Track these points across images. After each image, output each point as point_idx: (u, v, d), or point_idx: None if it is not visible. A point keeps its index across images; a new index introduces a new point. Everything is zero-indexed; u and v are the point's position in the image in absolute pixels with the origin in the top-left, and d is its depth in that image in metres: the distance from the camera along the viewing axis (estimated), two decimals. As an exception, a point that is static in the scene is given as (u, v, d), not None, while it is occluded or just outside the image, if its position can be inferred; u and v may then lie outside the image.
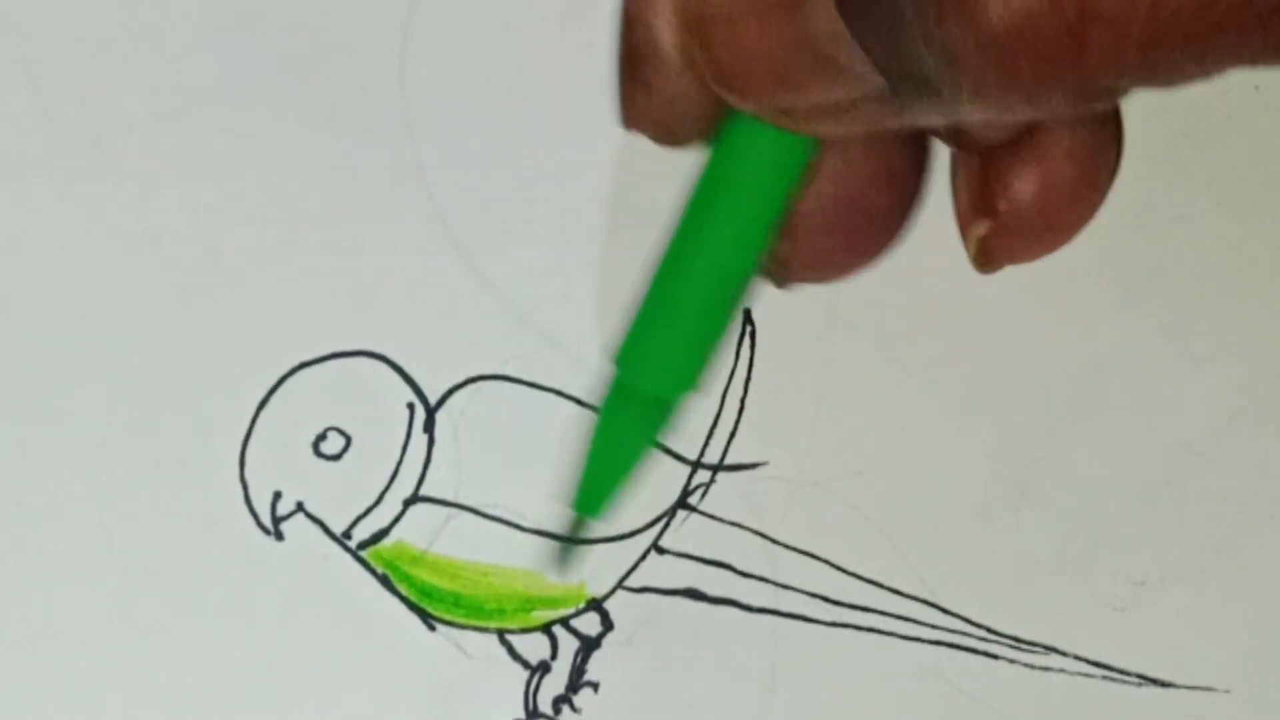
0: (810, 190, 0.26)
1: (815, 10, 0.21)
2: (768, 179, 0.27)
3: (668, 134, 0.26)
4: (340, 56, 0.37)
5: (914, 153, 0.27)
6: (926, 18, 0.20)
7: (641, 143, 0.31)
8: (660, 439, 0.31)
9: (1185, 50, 0.20)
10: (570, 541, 0.33)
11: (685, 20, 0.23)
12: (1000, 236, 0.27)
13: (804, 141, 0.26)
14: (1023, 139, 0.27)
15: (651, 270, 0.29)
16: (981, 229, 0.27)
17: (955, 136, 0.27)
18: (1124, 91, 0.21)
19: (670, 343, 0.29)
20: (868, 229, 0.27)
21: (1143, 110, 0.34)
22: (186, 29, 0.37)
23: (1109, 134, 0.28)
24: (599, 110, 0.38)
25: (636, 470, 0.32)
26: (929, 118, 0.23)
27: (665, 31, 0.24)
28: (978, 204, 0.27)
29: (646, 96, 0.25)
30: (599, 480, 0.32)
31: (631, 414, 0.30)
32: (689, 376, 0.30)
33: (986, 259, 0.28)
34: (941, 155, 0.32)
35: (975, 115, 0.22)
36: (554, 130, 0.38)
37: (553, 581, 0.36)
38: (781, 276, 0.28)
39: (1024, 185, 0.27)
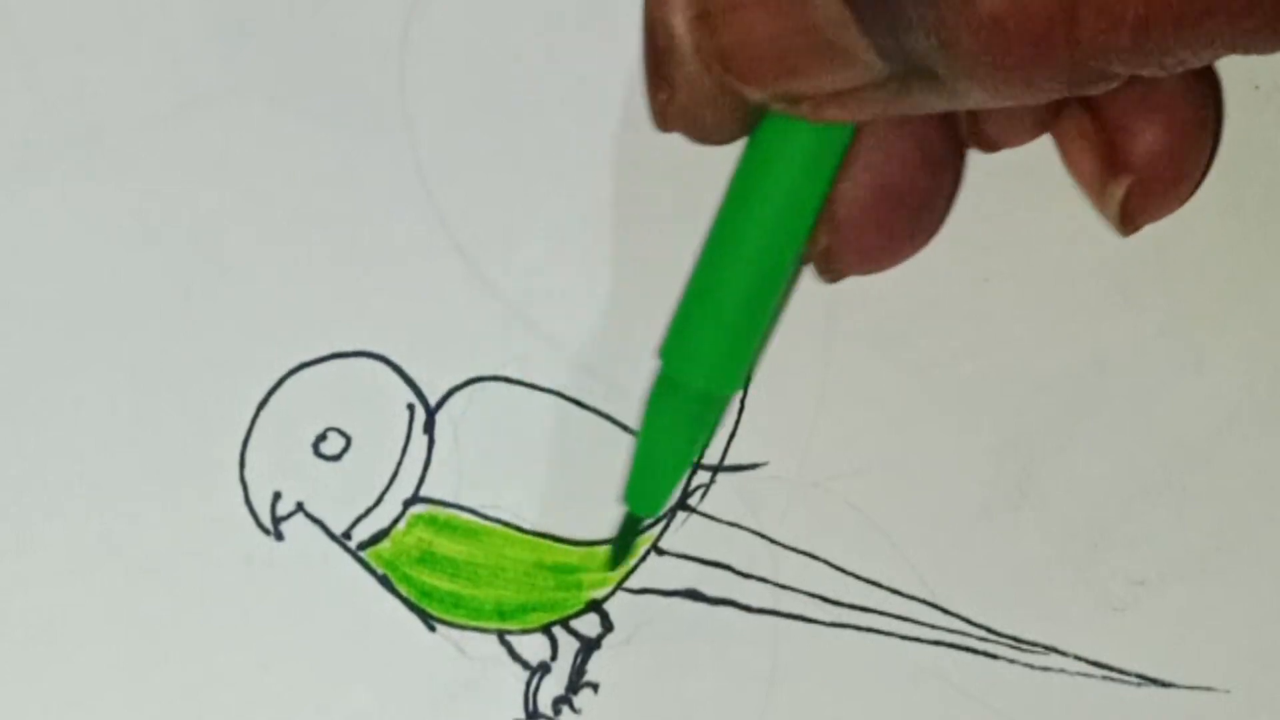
0: (849, 180, 0.26)
1: None
2: (802, 170, 0.26)
3: (702, 132, 0.26)
4: (340, 56, 0.37)
5: (950, 135, 0.26)
6: (922, 3, 0.20)
7: (642, 141, 0.31)
8: (709, 434, 0.31)
9: (1176, 34, 0.20)
10: (625, 538, 0.33)
11: (694, 12, 0.23)
12: (1141, 193, 0.27)
13: (834, 131, 0.26)
14: (1139, 88, 0.26)
15: (694, 264, 0.28)
16: (1122, 188, 0.27)
17: (975, 133, 0.27)
18: (1119, 76, 0.21)
19: (714, 338, 0.29)
20: (910, 215, 0.27)
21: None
22: (186, 29, 0.37)
23: (1210, 69, 0.28)
24: (599, 109, 0.38)
25: (686, 465, 0.31)
26: (933, 103, 0.23)
27: (681, 28, 0.24)
28: (1110, 164, 0.27)
29: (675, 96, 0.25)
30: (650, 476, 0.31)
31: (679, 409, 0.30)
32: (734, 372, 0.30)
33: (1128, 218, 0.27)
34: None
35: (975, 100, 0.22)
36: (554, 130, 0.37)
37: (553, 583, 0.36)
38: (829, 269, 0.28)
39: (1154, 134, 0.26)
